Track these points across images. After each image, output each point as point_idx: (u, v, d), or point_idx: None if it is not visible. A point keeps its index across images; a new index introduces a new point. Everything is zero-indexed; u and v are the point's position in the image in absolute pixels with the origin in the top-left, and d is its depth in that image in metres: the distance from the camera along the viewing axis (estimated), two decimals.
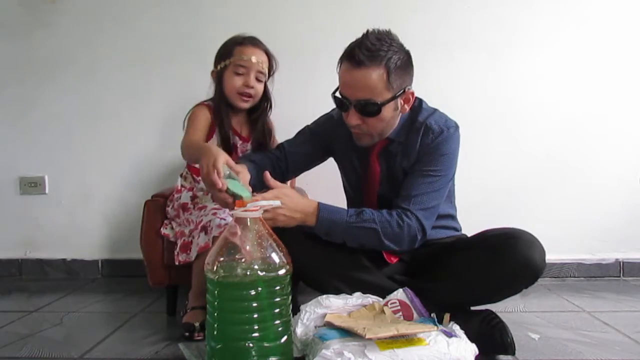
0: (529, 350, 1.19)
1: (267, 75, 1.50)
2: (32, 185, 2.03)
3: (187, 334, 1.26)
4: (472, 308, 1.23)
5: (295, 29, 1.92)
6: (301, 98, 1.88)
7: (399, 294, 1.15)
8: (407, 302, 1.14)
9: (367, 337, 0.94)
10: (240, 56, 1.44)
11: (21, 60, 2.00)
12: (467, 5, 1.90)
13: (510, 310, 1.49)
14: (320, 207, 1.17)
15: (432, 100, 1.36)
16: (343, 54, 1.18)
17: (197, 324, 1.27)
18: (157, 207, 1.49)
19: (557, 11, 1.90)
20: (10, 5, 1.98)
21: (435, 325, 1.07)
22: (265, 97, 1.53)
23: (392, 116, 1.21)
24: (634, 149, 1.92)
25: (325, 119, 1.44)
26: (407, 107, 1.23)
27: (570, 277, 1.93)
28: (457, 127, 1.28)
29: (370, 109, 1.16)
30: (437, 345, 0.96)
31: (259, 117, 1.54)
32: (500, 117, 1.92)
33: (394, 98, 1.17)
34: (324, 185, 1.61)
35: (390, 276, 1.28)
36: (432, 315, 1.13)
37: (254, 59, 1.44)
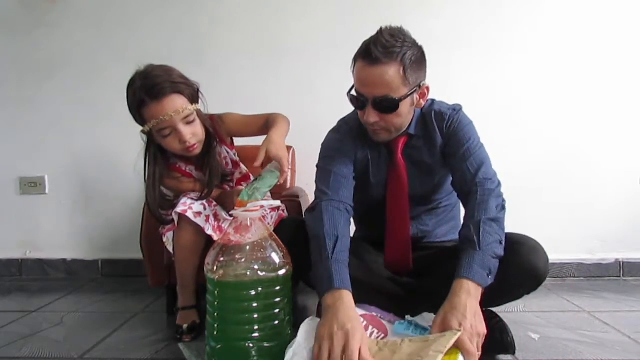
0: (529, 350, 1.20)
1: (194, 110, 1.28)
2: (32, 185, 2.03)
3: (178, 336, 1.28)
4: None
5: (296, 27, 1.91)
6: (301, 97, 1.89)
7: (359, 311, 1.00)
8: (368, 313, 1.04)
9: None
10: (153, 121, 1.23)
11: (21, 60, 2.00)
12: (467, 4, 1.91)
13: (510, 310, 1.49)
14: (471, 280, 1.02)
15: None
16: (358, 52, 1.18)
17: (185, 326, 1.28)
18: None
19: (558, 11, 1.90)
20: (10, 5, 1.99)
21: (426, 330, 0.99)
22: (209, 132, 1.33)
23: (408, 111, 1.22)
24: (634, 150, 1.92)
25: (347, 131, 1.33)
26: (422, 102, 1.24)
27: (570, 277, 1.93)
28: (460, 106, 1.31)
29: (388, 105, 1.16)
30: None
31: (209, 158, 1.35)
32: (500, 117, 1.92)
33: (410, 93, 1.17)
34: None
35: (393, 277, 1.27)
36: (406, 317, 1.08)
37: (169, 115, 1.22)
